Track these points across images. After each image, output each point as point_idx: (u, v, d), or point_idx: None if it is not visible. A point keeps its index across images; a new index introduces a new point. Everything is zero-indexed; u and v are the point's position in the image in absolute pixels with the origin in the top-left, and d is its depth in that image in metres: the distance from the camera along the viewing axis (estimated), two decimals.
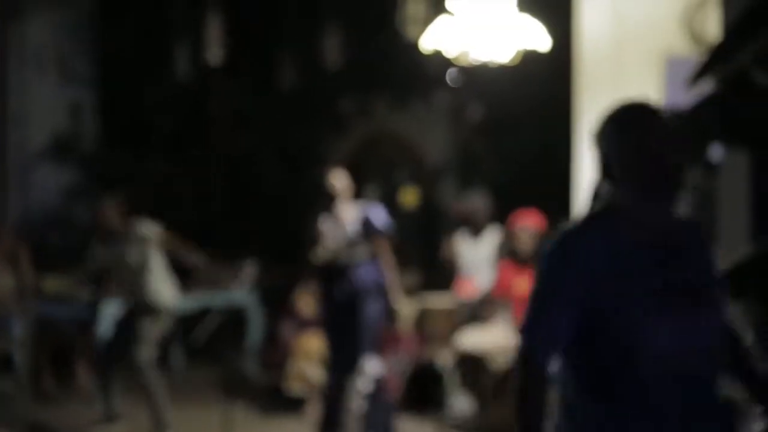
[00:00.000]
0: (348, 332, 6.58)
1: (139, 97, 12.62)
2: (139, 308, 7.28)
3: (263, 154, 13.04)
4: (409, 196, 9.92)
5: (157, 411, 7.20)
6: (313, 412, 7.90)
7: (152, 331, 7.25)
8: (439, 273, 8.80)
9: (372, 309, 6.56)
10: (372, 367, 6.51)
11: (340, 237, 6.62)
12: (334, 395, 6.64)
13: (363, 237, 6.57)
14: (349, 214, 6.65)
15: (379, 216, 6.60)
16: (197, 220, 12.44)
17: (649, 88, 7.44)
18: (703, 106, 4.56)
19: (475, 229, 8.45)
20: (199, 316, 10.22)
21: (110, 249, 7.35)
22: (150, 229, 7.34)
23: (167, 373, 9.91)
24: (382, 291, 6.58)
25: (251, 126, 13.08)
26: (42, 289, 9.35)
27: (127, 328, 7.33)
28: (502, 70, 7.85)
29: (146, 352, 7.21)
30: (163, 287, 7.34)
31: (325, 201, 6.77)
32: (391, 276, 6.66)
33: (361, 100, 13.62)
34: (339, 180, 6.68)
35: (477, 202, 8.68)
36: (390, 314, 6.84)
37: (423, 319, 8.01)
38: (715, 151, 5.44)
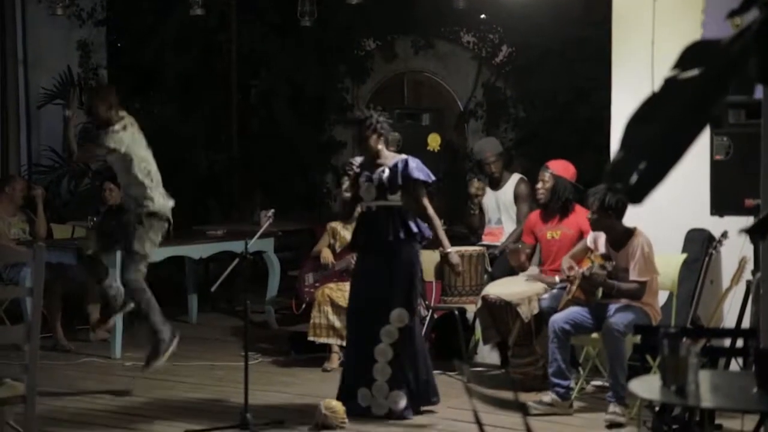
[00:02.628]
0: (383, 282, 6.44)
1: (151, 36, 12.34)
2: (133, 213, 6.95)
3: (280, 96, 12.76)
4: (434, 141, 9.66)
5: (151, 326, 6.96)
6: (337, 360, 7.76)
7: (145, 248, 6.93)
8: (463, 219, 8.56)
9: (403, 258, 6.41)
10: (401, 317, 6.39)
11: (373, 186, 6.46)
12: (364, 346, 6.50)
13: (398, 187, 6.41)
14: (384, 162, 6.49)
15: (417, 166, 6.43)
16: (211, 164, 12.23)
17: (688, 24, 7.13)
18: (743, 41, 4.14)
19: (487, 173, 8.21)
20: (217, 264, 10.08)
21: (103, 140, 6.96)
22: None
23: (185, 322, 9.84)
24: (414, 239, 6.42)
25: (268, 67, 12.79)
26: (52, 235, 9.22)
27: (115, 226, 7.06)
28: (533, 7, 7.57)
29: (137, 268, 6.90)
30: (155, 191, 7.02)
31: (360, 147, 6.65)
32: (435, 223, 6.56)
33: (384, 39, 13.29)
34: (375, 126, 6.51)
35: (483, 143, 8.41)
36: (444, 257, 6.74)
37: (446, 267, 7.80)
38: (758, 90, 5.11)
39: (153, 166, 7.05)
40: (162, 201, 7.02)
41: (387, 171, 6.45)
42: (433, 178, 6.54)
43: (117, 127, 6.92)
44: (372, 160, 6.54)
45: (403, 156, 6.56)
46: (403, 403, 6.44)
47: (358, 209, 6.82)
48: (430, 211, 6.54)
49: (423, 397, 6.55)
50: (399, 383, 6.45)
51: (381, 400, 6.45)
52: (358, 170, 6.58)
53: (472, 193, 8.28)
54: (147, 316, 6.96)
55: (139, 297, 6.92)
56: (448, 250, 6.68)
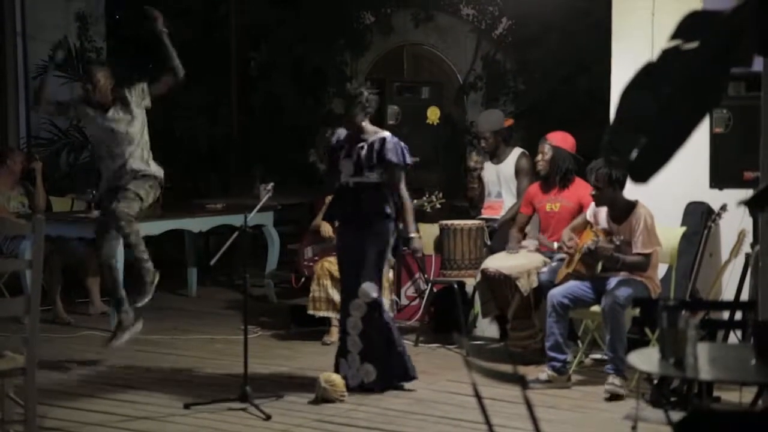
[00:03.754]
0: (354, 256, 6.48)
1: (150, 6, 12.26)
2: (130, 175, 6.98)
3: (280, 69, 12.72)
4: (433, 114, 9.63)
5: (140, 258, 6.98)
6: (336, 334, 7.78)
7: (140, 192, 6.95)
8: (462, 192, 8.55)
9: (376, 234, 6.43)
10: (367, 292, 6.40)
11: (351, 162, 6.47)
12: (342, 319, 6.59)
13: (373, 165, 6.41)
14: (365, 138, 6.49)
15: (393, 148, 6.43)
16: (211, 137, 12.20)
17: None
18: (743, 13, 4.13)
19: (485, 146, 8.19)
20: (217, 238, 10.08)
21: (100, 118, 7.00)
22: (138, 98, 6.99)
23: (185, 296, 9.86)
24: (388, 217, 6.44)
25: (267, 39, 12.73)
26: (52, 208, 9.21)
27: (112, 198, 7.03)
28: None
29: (130, 205, 6.91)
30: (149, 157, 7.06)
31: (345, 121, 6.61)
32: (406, 205, 6.56)
33: (383, 12, 13.24)
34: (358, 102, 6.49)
35: (482, 117, 8.39)
36: (405, 241, 6.71)
37: (445, 240, 7.81)
38: (757, 62, 5.10)
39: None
40: (156, 167, 7.09)
41: (365, 148, 6.47)
42: (408, 161, 6.50)
43: (125, 98, 6.96)
44: (354, 135, 6.54)
45: (384, 134, 6.53)
46: (372, 376, 6.49)
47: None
48: (403, 193, 6.54)
49: (397, 374, 6.55)
50: (369, 357, 6.50)
51: (354, 371, 6.50)
52: (335, 145, 6.59)
53: (471, 166, 8.26)
54: (136, 247, 6.94)
55: (128, 230, 6.90)
56: (411, 235, 6.66)
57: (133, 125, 6.98)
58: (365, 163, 6.45)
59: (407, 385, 6.54)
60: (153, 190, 7.07)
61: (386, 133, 6.54)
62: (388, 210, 6.45)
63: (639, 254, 6.39)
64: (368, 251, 6.45)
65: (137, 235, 6.96)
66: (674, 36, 2.45)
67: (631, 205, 6.47)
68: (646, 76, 2.43)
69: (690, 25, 2.46)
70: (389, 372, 6.52)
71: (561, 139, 7.43)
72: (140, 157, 7.00)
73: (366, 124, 6.55)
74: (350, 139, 6.54)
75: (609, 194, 6.43)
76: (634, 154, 2.39)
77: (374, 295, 6.45)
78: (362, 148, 6.47)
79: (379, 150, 6.43)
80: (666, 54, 2.42)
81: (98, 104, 7.00)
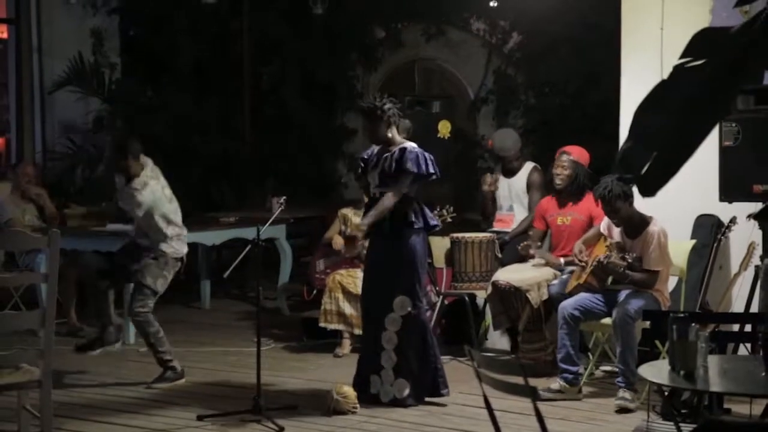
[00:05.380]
0: (385, 269, 6.48)
1: (164, 24, 12.36)
2: (148, 253, 7.05)
3: (292, 84, 12.79)
4: (444, 128, 9.67)
5: (159, 359, 7.06)
6: (348, 346, 7.81)
7: (156, 285, 7.03)
8: (474, 207, 8.59)
9: (404, 245, 6.42)
10: (402, 305, 6.41)
11: (376, 173, 6.50)
12: (374, 333, 6.54)
13: (395, 174, 6.43)
14: (393, 149, 6.52)
15: (414, 157, 6.40)
16: (224, 151, 12.28)
17: (697, 10, 7.14)
18: (753, 31, 4.18)
19: (506, 165, 8.21)
20: (230, 251, 10.12)
21: (124, 190, 7.07)
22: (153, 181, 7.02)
23: (198, 308, 9.90)
24: (414, 227, 6.43)
25: (279, 54, 12.81)
26: (67, 222, 9.27)
27: (130, 261, 7.13)
28: None
29: (145, 303, 7.00)
30: (171, 234, 7.07)
31: (370, 136, 6.66)
32: (377, 208, 6.40)
33: (394, 27, 13.30)
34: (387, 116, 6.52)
35: (505, 139, 8.41)
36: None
37: (456, 253, 7.84)
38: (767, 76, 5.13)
39: (175, 217, 7.09)
40: (177, 247, 7.11)
41: (389, 159, 6.49)
42: (431, 171, 6.39)
43: (136, 184, 6.94)
44: (383, 148, 6.56)
45: (408, 144, 6.50)
46: (406, 391, 6.46)
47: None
48: (385, 200, 6.38)
49: (428, 387, 6.55)
50: (403, 372, 6.47)
51: (387, 387, 6.49)
52: (363, 165, 6.61)
53: (485, 189, 8.27)
54: (154, 348, 7.03)
55: (145, 330, 7.00)
56: (361, 222, 6.53)
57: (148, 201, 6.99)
58: (389, 172, 6.46)
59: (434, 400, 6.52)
60: (171, 271, 7.09)
61: (409, 144, 6.50)
62: (414, 220, 6.43)
63: (647, 271, 6.40)
64: (398, 264, 6.43)
65: (155, 336, 6.99)
66: (685, 53, 2.48)
67: (646, 222, 6.48)
68: (659, 94, 2.47)
69: (700, 43, 2.50)
70: (423, 386, 6.52)
71: (578, 154, 7.44)
72: (157, 228, 6.99)
73: (393, 136, 6.52)
74: (381, 151, 6.57)
75: (626, 211, 6.44)
76: (645, 169, 2.42)
77: (409, 308, 6.45)
78: (386, 159, 6.51)
79: (398, 159, 6.41)
80: (677, 70, 2.46)
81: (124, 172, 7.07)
